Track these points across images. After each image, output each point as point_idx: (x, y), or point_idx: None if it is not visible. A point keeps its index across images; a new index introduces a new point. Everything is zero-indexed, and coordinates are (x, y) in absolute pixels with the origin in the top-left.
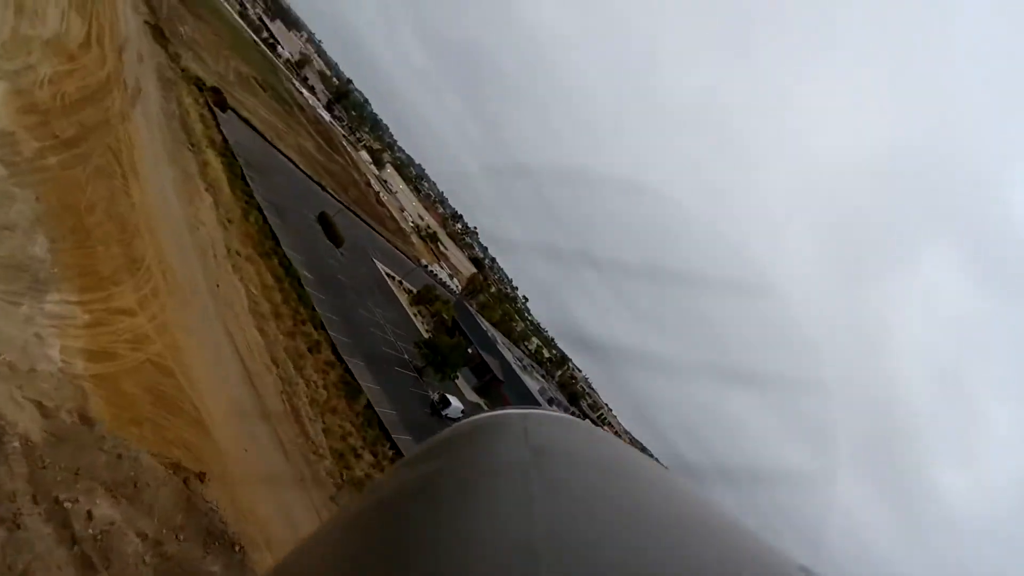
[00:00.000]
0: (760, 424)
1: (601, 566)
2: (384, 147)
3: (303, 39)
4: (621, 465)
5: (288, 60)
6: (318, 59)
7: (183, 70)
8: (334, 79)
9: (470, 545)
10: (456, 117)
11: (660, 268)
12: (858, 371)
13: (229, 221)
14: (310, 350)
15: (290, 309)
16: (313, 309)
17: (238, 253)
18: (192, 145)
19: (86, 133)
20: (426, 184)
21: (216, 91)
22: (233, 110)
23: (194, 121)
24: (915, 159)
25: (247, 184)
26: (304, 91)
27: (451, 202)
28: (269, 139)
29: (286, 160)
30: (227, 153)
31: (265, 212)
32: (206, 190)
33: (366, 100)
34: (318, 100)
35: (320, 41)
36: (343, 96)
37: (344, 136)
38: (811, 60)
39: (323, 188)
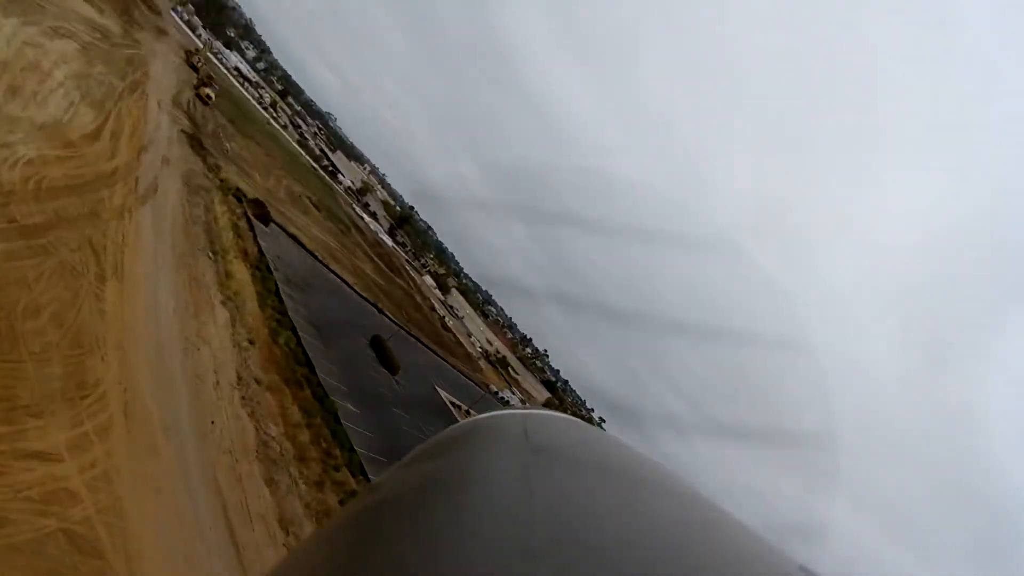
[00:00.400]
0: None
1: (601, 566)
2: (449, 272)
3: (366, 171)
4: (621, 465)
5: (349, 187)
6: (381, 189)
7: (222, 180)
8: (397, 208)
9: (470, 545)
10: (520, 243)
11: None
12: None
13: (250, 342)
14: (342, 503)
15: (320, 451)
16: (351, 450)
17: (257, 381)
18: (214, 253)
19: (58, 223)
20: (494, 309)
21: (258, 203)
22: (278, 225)
23: (223, 229)
24: (984, 226)
25: (281, 301)
26: (365, 216)
27: (520, 327)
28: (319, 257)
29: (337, 279)
30: (261, 266)
31: (301, 333)
32: (223, 303)
33: (429, 227)
34: (380, 225)
35: (384, 175)
36: (405, 221)
37: (407, 261)
38: (863, 147)
39: (379, 310)
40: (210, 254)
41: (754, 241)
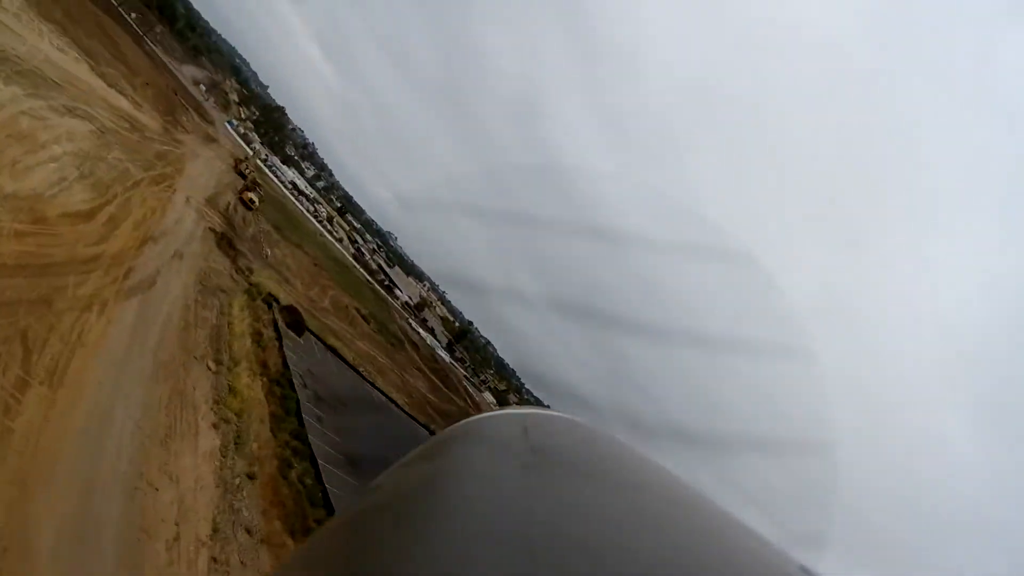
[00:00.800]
0: None
1: (601, 566)
2: (510, 388)
3: (424, 287)
4: (621, 464)
5: (406, 303)
6: (441, 306)
7: (252, 284)
8: (456, 323)
9: (470, 545)
10: (581, 355)
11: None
12: None
13: (249, 476)
14: None
15: None
16: None
17: (247, 531)
18: (217, 363)
19: None
20: None
21: (292, 310)
22: (315, 335)
23: (239, 336)
24: None
25: (301, 424)
26: (421, 331)
27: None
28: (362, 373)
29: (383, 397)
30: (283, 382)
31: (322, 464)
32: (214, 427)
33: (489, 343)
34: (437, 341)
35: (444, 291)
36: (463, 336)
37: (465, 377)
38: (917, 224)
39: (431, 432)
40: (211, 364)
41: (821, 329)
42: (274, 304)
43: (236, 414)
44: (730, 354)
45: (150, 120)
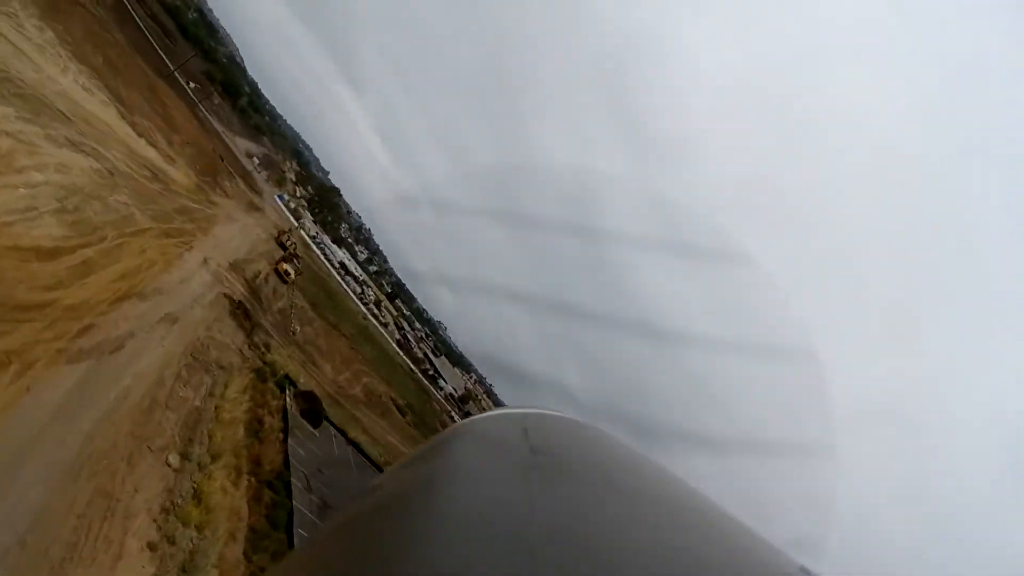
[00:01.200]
0: None
1: (601, 566)
2: None
3: (471, 379)
4: (621, 465)
5: (449, 394)
6: (486, 398)
7: (265, 362)
8: None
9: (470, 545)
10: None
11: None
12: None
13: None
14: None
15: None
16: None
17: None
18: (182, 457)
19: None
20: None
21: (310, 396)
22: (335, 426)
23: (227, 425)
24: None
25: (291, 544)
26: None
27: None
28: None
29: None
30: (277, 486)
31: None
32: (150, 547)
33: None
34: None
35: (491, 384)
36: None
37: None
38: (972, 318)
39: None
40: (171, 459)
41: (882, 430)
42: (289, 388)
43: (195, 528)
44: (777, 459)
45: (182, 176)
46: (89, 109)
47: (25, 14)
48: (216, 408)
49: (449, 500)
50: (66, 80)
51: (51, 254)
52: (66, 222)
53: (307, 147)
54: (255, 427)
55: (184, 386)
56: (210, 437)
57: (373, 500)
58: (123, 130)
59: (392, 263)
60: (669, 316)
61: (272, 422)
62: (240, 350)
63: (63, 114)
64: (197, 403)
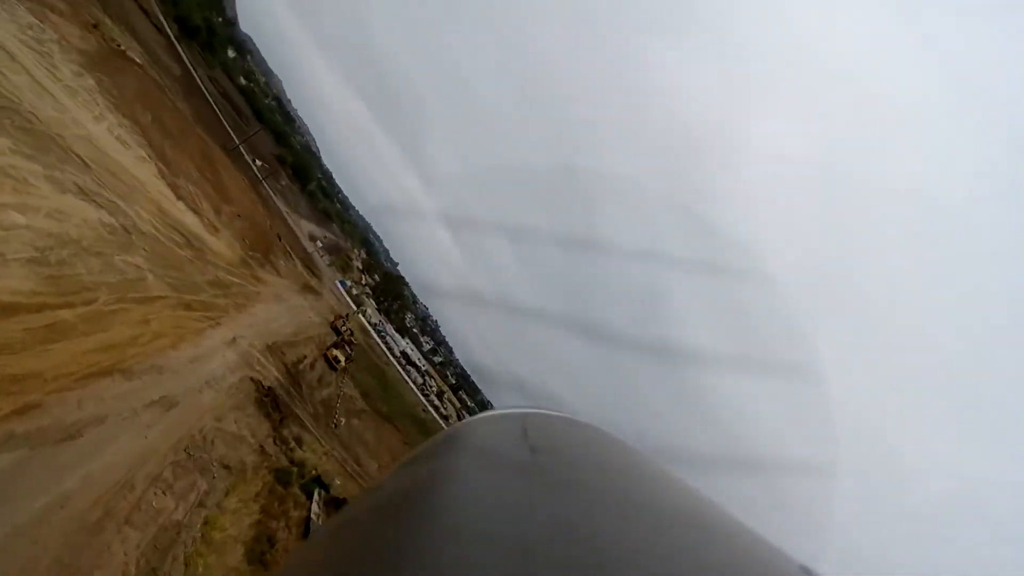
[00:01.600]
0: None
1: (600, 566)
2: None
3: None
4: (621, 464)
5: None
6: None
7: (292, 462)
8: None
9: (470, 545)
10: None
11: None
12: None
13: None
14: None
15: None
16: None
17: None
18: None
19: None
20: None
21: (343, 506)
22: None
23: (218, 547)
24: None
25: None
26: None
27: None
28: None
29: None
30: None
31: None
32: None
33: None
34: None
35: None
36: None
37: None
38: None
39: None
40: None
41: (961, 523)
42: (319, 493)
43: None
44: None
45: (224, 247)
46: (118, 160)
47: (63, 58)
48: (204, 524)
49: (449, 500)
50: (97, 128)
51: (5, 310)
52: (40, 275)
53: (377, 237)
54: (262, 549)
55: (164, 492)
56: (185, 565)
57: (374, 499)
58: (158, 189)
59: (458, 354)
60: (740, 414)
61: (288, 540)
62: (261, 445)
63: (80, 158)
64: (178, 516)
